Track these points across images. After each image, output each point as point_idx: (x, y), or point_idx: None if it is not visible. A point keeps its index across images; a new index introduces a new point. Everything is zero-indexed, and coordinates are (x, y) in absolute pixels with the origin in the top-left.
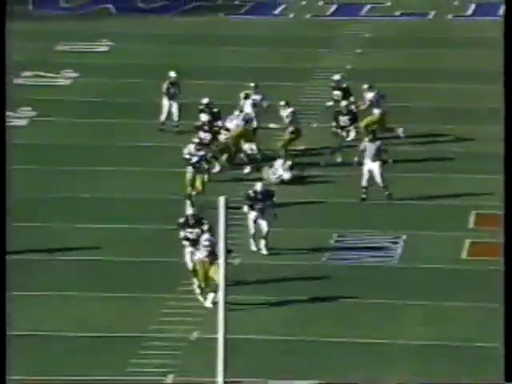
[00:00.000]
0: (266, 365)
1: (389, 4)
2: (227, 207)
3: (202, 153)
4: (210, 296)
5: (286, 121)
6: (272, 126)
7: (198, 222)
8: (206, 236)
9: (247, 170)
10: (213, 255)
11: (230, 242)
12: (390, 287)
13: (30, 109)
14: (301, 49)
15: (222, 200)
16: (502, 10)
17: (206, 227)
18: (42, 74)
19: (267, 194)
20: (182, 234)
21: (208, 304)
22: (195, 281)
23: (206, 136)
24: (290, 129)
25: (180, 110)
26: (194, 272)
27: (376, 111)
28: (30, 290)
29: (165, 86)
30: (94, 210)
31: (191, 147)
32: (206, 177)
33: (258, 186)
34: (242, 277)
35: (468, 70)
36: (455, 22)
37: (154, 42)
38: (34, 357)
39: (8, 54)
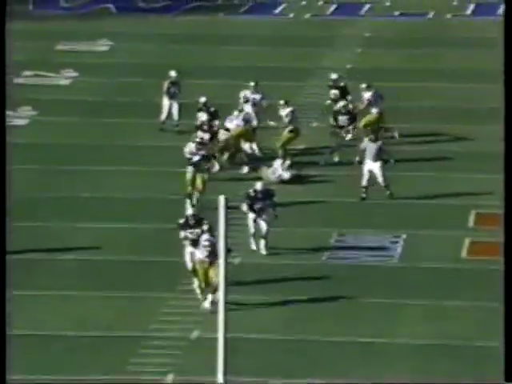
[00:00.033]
0: (266, 365)
1: (388, 4)
2: (227, 207)
3: (203, 152)
4: (209, 297)
5: (286, 120)
6: (271, 123)
7: (198, 222)
8: (205, 236)
9: (245, 169)
10: (213, 255)
11: (230, 242)
12: (389, 287)
13: (30, 108)
14: (301, 48)
15: (221, 199)
16: (501, 10)
17: (206, 227)
18: (42, 73)
19: (267, 194)
20: (182, 234)
21: (207, 305)
22: (195, 281)
23: (204, 135)
24: (289, 128)
25: (180, 109)
26: (194, 272)
27: (374, 110)
28: (30, 290)
29: (165, 85)
30: (93, 210)
31: (192, 146)
32: (206, 176)
33: (258, 186)
34: (242, 277)
35: (467, 70)
36: (454, 21)
37: (155, 42)
38: (34, 357)
39: (8, 54)
